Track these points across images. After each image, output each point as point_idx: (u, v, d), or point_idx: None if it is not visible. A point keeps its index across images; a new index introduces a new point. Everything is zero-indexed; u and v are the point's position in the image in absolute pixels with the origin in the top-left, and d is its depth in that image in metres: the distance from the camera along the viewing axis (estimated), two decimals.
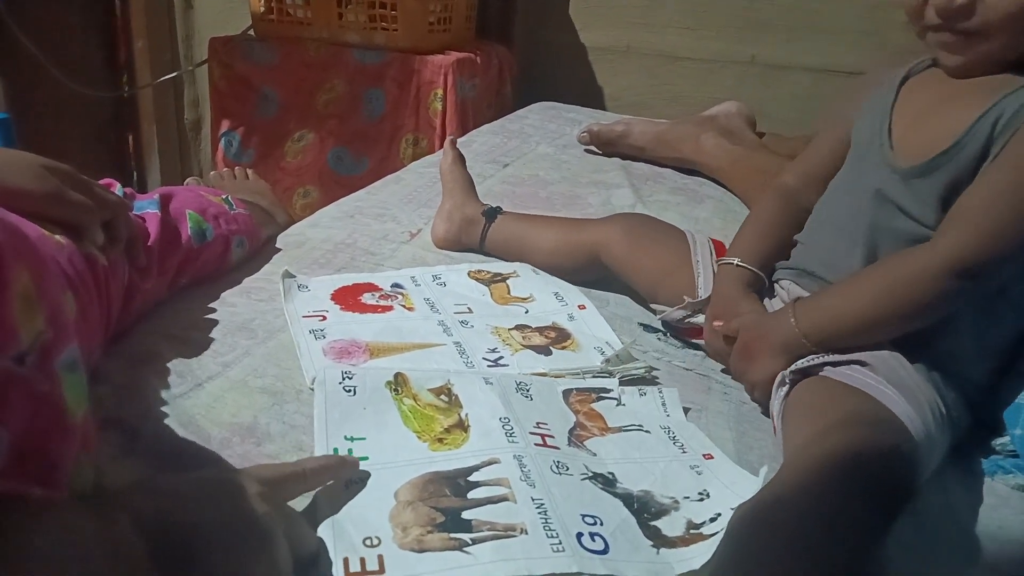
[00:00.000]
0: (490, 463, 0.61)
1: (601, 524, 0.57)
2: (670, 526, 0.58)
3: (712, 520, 0.59)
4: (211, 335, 0.78)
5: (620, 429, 0.70)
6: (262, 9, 1.75)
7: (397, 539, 0.53)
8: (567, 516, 0.56)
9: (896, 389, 0.64)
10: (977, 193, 0.65)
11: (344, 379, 0.69)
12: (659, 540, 0.57)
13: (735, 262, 0.81)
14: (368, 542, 0.53)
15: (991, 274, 0.65)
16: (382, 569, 0.51)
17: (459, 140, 1.53)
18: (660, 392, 0.74)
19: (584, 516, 0.57)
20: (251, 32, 1.82)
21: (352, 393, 0.68)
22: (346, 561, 0.51)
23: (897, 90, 0.77)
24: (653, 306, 0.90)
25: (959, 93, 0.70)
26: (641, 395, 0.74)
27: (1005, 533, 0.62)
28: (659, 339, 0.88)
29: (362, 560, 0.51)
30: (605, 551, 0.54)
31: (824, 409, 0.63)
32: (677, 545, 0.56)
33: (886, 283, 0.68)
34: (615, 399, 0.74)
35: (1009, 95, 0.65)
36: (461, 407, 0.68)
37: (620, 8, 1.89)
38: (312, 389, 0.70)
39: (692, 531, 0.58)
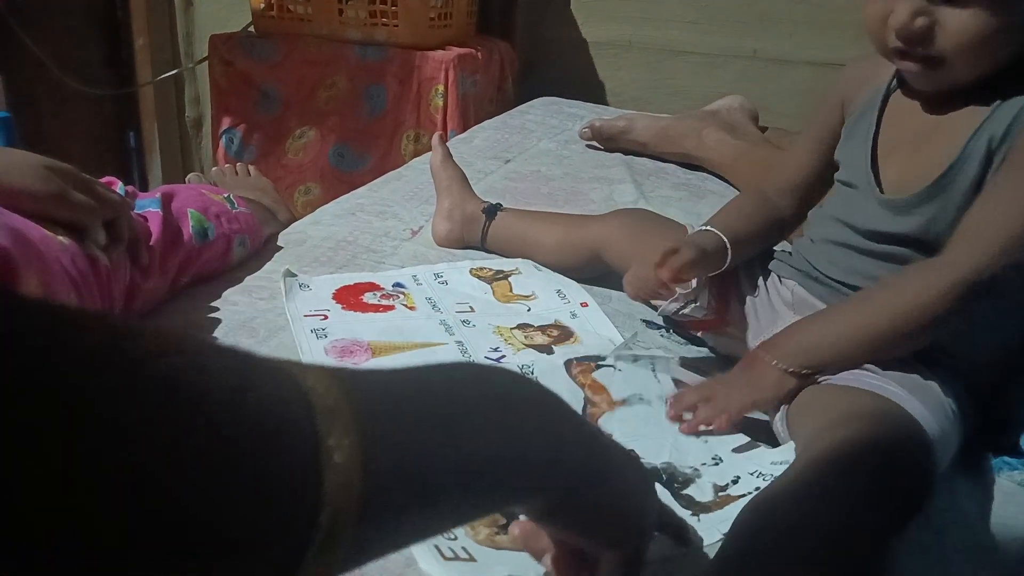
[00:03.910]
0: None
1: None
2: (700, 492, 0.61)
3: (734, 482, 0.62)
4: (213, 334, 0.78)
5: (624, 401, 0.72)
6: (262, 6, 1.75)
7: (470, 535, 0.54)
8: None
9: (904, 387, 0.63)
10: (983, 207, 0.64)
11: None
12: (696, 507, 0.59)
13: (705, 228, 0.79)
14: (447, 535, 0.53)
15: (1002, 288, 0.63)
16: (472, 558, 0.52)
17: (461, 136, 1.53)
18: (651, 361, 0.77)
19: None
20: (251, 29, 1.81)
21: None
22: (437, 548, 0.52)
23: (879, 113, 0.73)
24: (655, 302, 0.89)
25: (942, 119, 0.68)
26: (634, 361, 0.76)
27: (1011, 531, 0.62)
28: (662, 335, 0.88)
29: (451, 549, 0.52)
30: None
31: (828, 407, 0.63)
32: (712, 509, 0.59)
33: (893, 304, 0.65)
34: (611, 366, 0.76)
35: (995, 112, 0.64)
36: None
37: (621, 2, 1.89)
38: None
39: (720, 494, 0.61)
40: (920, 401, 0.62)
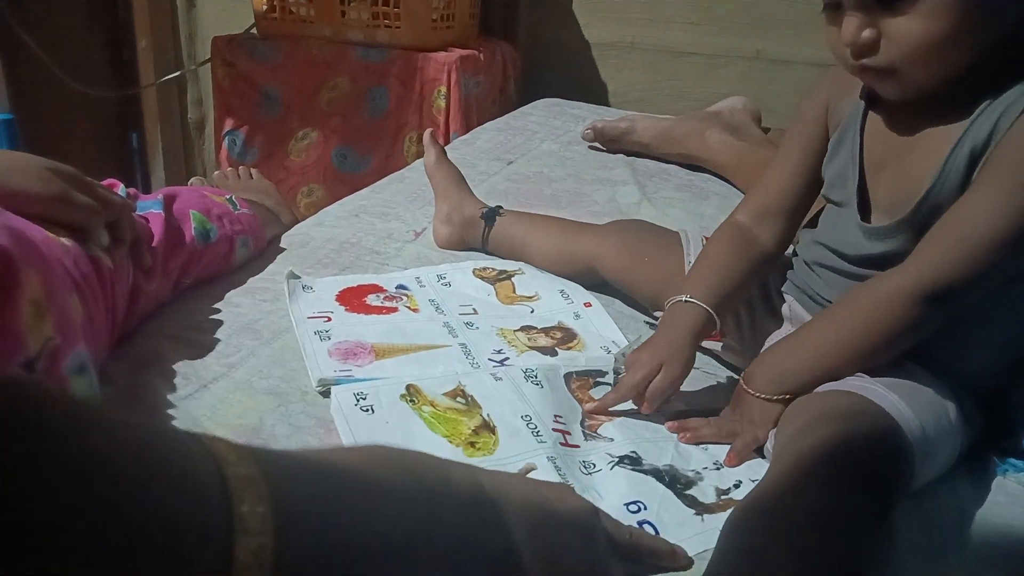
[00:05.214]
0: (529, 470, 0.62)
1: (645, 508, 0.60)
2: (703, 494, 0.62)
3: (736, 487, 0.63)
4: (216, 336, 0.78)
5: (622, 413, 0.72)
6: (265, 7, 1.75)
7: None
8: (612, 510, 0.57)
9: (885, 385, 0.63)
10: (948, 215, 0.63)
11: (358, 400, 0.69)
12: (700, 507, 0.61)
13: (684, 299, 0.73)
14: None
15: (962, 296, 0.63)
16: None
17: (463, 137, 1.53)
18: None
19: (628, 505, 0.60)
20: (254, 31, 1.82)
21: (371, 412, 0.68)
22: None
23: (861, 127, 0.71)
24: (656, 314, 0.89)
25: (925, 131, 0.66)
26: None
27: (1015, 532, 0.62)
28: None
29: None
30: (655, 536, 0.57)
31: (807, 408, 0.64)
32: (715, 511, 0.60)
33: (855, 318, 0.66)
34: (610, 384, 0.76)
35: (976, 119, 0.62)
36: (480, 407, 0.69)
37: (624, 4, 1.89)
38: (318, 392, 0.70)
39: (723, 497, 0.62)
40: (900, 396, 0.62)
